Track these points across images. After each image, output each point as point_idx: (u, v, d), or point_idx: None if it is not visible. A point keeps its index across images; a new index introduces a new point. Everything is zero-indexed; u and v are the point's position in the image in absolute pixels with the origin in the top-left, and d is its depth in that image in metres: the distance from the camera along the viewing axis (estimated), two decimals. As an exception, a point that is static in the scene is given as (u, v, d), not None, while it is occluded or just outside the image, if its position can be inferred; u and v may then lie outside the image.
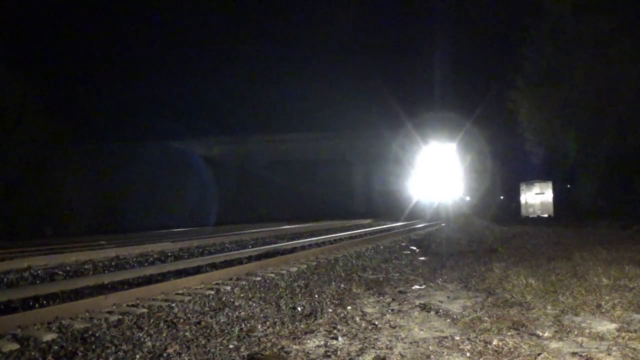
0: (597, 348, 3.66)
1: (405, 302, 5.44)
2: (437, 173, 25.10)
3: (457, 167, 25.66)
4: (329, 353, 3.65)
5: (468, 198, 26.54)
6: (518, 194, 30.05)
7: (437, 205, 24.58)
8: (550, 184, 27.00)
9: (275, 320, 4.62)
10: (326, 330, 4.27)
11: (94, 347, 3.78)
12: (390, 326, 4.42)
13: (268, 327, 4.38)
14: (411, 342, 3.91)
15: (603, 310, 4.78)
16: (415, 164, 25.89)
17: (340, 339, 4.02)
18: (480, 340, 3.87)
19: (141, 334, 4.12)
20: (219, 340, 3.98)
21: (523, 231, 15.74)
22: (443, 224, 19.42)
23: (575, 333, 4.06)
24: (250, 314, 4.85)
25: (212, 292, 5.89)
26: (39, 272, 7.68)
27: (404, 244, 12.60)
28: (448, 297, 5.74)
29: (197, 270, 7.69)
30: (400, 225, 20.12)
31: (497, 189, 36.73)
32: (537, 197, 27.03)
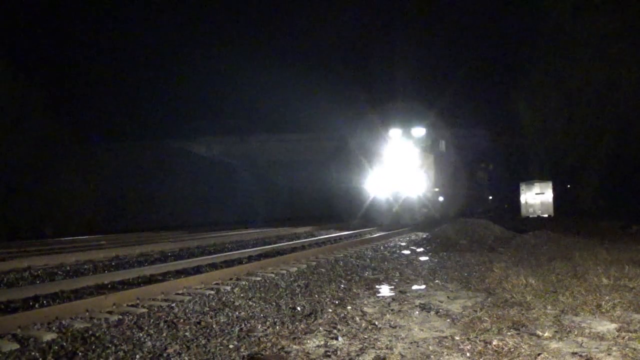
0: (597, 348, 3.66)
1: (406, 302, 5.44)
2: (400, 166, 18.95)
3: (427, 160, 19.41)
4: (329, 353, 3.65)
5: (441, 198, 20.17)
6: (514, 194, 29.81)
7: (399, 206, 18.72)
8: (550, 184, 26.96)
9: (275, 320, 4.62)
10: (326, 330, 4.27)
11: (94, 347, 3.78)
12: (390, 326, 4.42)
13: (268, 327, 4.38)
14: (411, 342, 3.91)
15: (603, 310, 4.78)
16: (376, 156, 19.52)
17: (340, 338, 4.02)
18: (480, 340, 3.87)
19: (141, 334, 4.12)
20: (219, 340, 3.98)
21: (522, 232, 15.74)
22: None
23: (575, 333, 4.06)
24: (250, 314, 4.85)
25: (212, 292, 5.89)
26: (39, 272, 7.67)
27: (403, 243, 12.60)
28: (448, 297, 5.74)
29: (197, 270, 7.69)
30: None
31: (484, 188, 32.40)
32: (537, 197, 27.02)
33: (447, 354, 3.60)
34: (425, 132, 20.06)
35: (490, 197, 34.63)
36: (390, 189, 18.91)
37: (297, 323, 4.51)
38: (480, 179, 31.32)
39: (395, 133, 19.77)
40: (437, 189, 19.50)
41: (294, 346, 3.82)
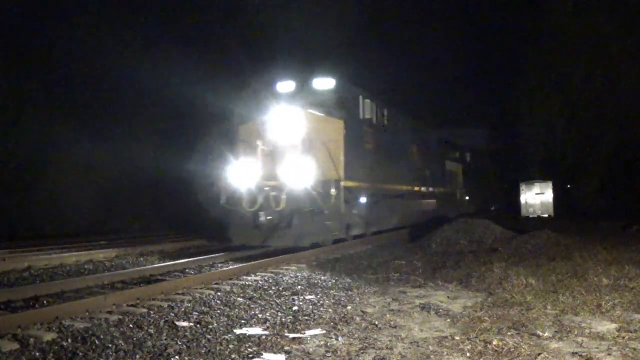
0: (597, 348, 3.66)
1: (406, 302, 5.44)
2: (282, 142, 10.30)
3: (330, 129, 10.57)
4: (329, 353, 3.64)
5: (363, 199, 11.83)
6: (508, 194, 29.39)
7: (274, 211, 9.97)
8: (550, 184, 26.95)
9: (275, 320, 4.62)
10: (326, 330, 4.27)
11: (94, 347, 3.78)
12: (390, 326, 4.42)
13: (268, 327, 4.38)
14: (411, 342, 3.91)
15: (603, 310, 4.78)
16: (247, 130, 11.01)
17: (340, 338, 4.01)
18: (480, 340, 3.87)
19: (141, 334, 4.12)
20: (219, 340, 3.98)
21: (521, 232, 15.72)
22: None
23: (575, 333, 4.06)
24: (251, 314, 4.85)
25: (212, 292, 5.89)
26: (39, 272, 7.67)
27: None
28: (448, 297, 5.74)
29: (197, 270, 7.69)
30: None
31: (457, 185, 23.51)
32: (537, 197, 27.01)
33: (447, 354, 3.59)
34: (335, 85, 11.35)
35: (467, 198, 26.18)
36: (260, 182, 10.20)
37: (297, 323, 4.51)
38: (451, 172, 22.66)
39: (285, 87, 11.48)
40: (355, 184, 11.16)
41: (294, 346, 3.82)
